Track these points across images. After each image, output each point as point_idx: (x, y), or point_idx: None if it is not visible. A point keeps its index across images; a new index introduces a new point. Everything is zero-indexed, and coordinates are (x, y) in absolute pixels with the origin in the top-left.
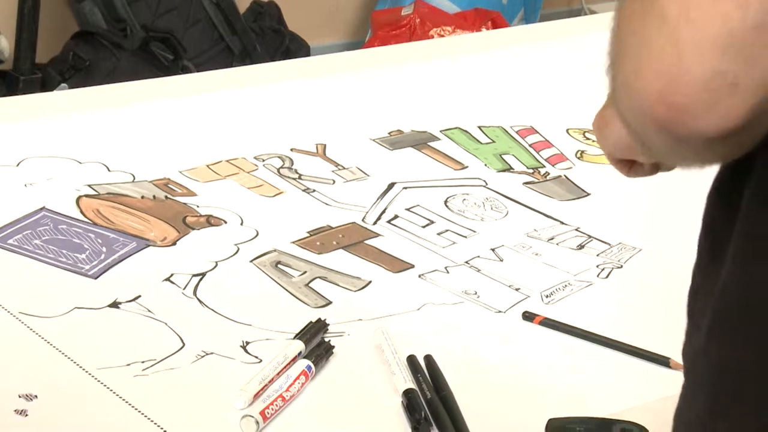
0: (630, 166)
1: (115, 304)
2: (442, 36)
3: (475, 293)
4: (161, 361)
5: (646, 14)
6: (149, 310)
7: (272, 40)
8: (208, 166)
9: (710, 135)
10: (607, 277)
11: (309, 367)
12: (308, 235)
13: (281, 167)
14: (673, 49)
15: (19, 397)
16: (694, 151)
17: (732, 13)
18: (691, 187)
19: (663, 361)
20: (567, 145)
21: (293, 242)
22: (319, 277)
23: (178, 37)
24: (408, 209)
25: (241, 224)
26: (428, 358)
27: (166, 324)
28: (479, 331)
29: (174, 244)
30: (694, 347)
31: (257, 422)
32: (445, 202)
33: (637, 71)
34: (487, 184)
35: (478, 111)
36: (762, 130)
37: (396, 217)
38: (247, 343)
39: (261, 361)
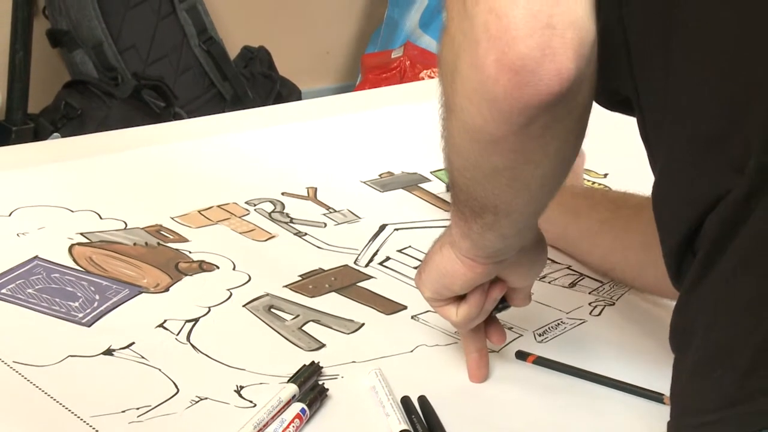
0: (457, 306)
1: (108, 352)
2: (432, 78)
3: None
4: (156, 407)
5: (456, 23)
6: (143, 357)
7: (263, 86)
8: (199, 211)
9: (553, 88)
10: (599, 314)
11: (303, 410)
12: (300, 278)
13: (272, 211)
14: (490, 16)
15: None
16: (543, 126)
17: None
18: None
19: (657, 398)
20: None
21: (286, 286)
22: (312, 321)
23: (170, 84)
24: (400, 251)
25: (234, 269)
26: (422, 399)
27: (159, 370)
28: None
29: (167, 290)
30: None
31: None
32: None
33: (472, 62)
34: None
35: None
36: (589, 84)
37: (388, 258)
38: (241, 387)
39: (255, 405)
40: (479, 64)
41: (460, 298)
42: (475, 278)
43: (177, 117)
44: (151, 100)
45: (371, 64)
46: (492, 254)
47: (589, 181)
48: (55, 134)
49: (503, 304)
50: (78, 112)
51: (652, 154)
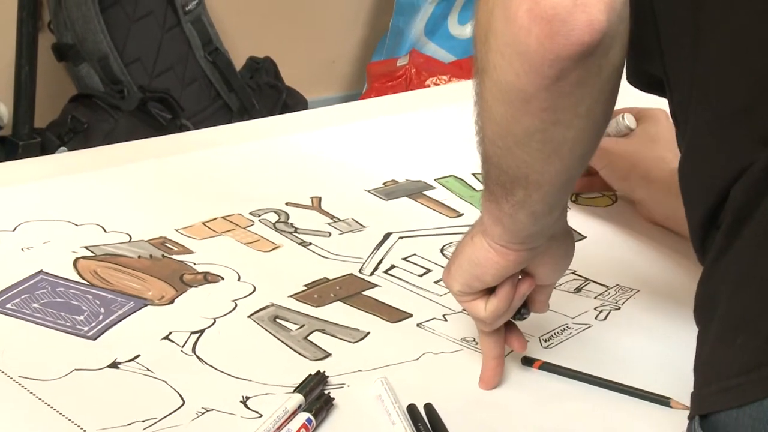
0: (485, 301)
1: (114, 365)
2: (438, 84)
3: (474, 340)
4: (162, 419)
5: None
6: (149, 369)
7: (269, 96)
8: (203, 223)
9: (584, 38)
10: (605, 319)
11: (309, 420)
12: (305, 288)
13: (277, 222)
14: None
15: None
16: (574, 82)
17: None
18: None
19: (664, 402)
20: None
21: (291, 296)
22: (318, 330)
23: (176, 96)
24: (404, 259)
25: (239, 280)
26: (428, 407)
27: (165, 382)
28: (478, 378)
29: (172, 302)
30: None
31: None
32: (442, 250)
33: (505, 15)
34: None
35: (472, 158)
36: (621, 43)
37: (393, 267)
38: (247, 398)
39: (261, 415)
40: (511, 15)
41: (488, 294)
42: (508, 266)
43: (183, 129)
44: (157, 113)
45: (377, 73)
46: (524, 239)
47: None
48: (61, 148)
49: (524, 309)
50: (84, 125)
51: (679, 132)
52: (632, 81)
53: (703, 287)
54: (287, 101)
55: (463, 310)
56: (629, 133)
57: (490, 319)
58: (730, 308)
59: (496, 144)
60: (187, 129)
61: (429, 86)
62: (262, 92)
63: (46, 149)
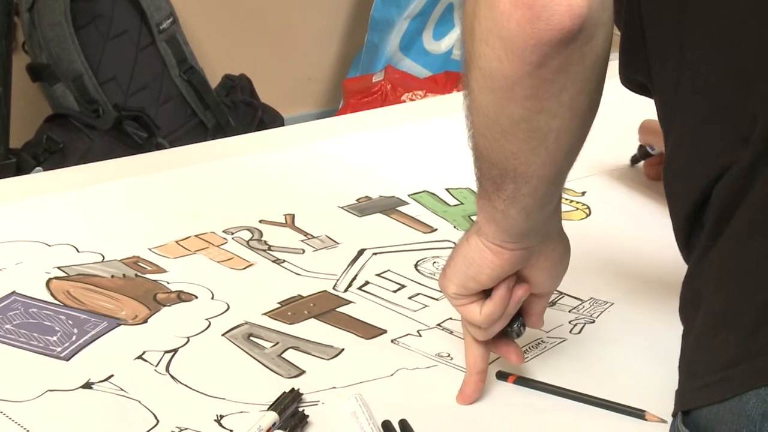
0: (481, 305)
1: (87, 385)
2: (413, 100)
3: (448, 355)
4: None
5: None
6: (122, 389)
7: (245, 113)
8: (177, 242)
9: (564, 24)
10: (579, 332)
11: None
12: (279, 305)
13: (250, 239)
14: None
15: None
16: (556, 68)
17: None
18: (660, 240)
19: (639, 414)
20: None
21: (264, 314)
22: (292, 347)
23: (151, 114)
24: (378, 275)
25: (212, 298)
26: (403, 423)
27: (139, 402)
28: (453, 393)
29: (145, 321)
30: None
31: None
32: (416, 265)
33: (489, 2)
34: None
35: (445, 173)
36: (605, 31)
37: (367, 283)
38: (222, 416)
39: None
40: (494, 1)
41: (484, 298)
42: (503, 266)
43: (159, 147)
44: (133, 131)
45: (352, 89)
46: (518, 237)
47: (566, 199)
48: (37, 168)
49: (519, 324)
50: (60, 145)
51: (665, 131)
52: (625, 84)
53: (688, 286)
54: (263, 119)
55: (442, 323)
56: None
57: (485, 323)
58: (712, 305)
59: (484, 135)
60: (163, 147)
61: (405, 102)
62: (237, 110)
63: (21, 169)
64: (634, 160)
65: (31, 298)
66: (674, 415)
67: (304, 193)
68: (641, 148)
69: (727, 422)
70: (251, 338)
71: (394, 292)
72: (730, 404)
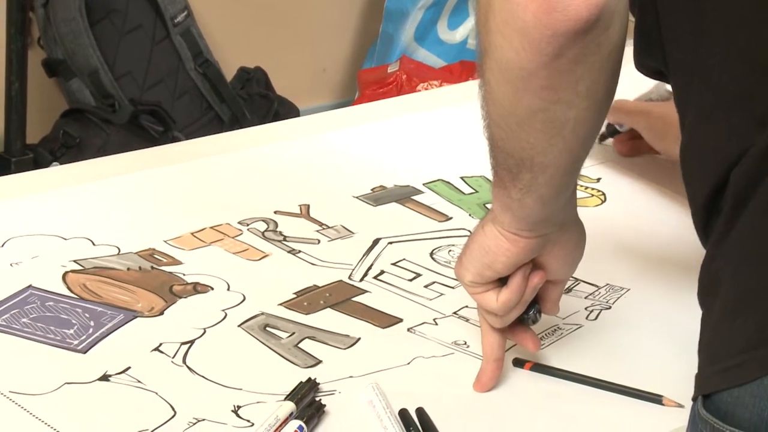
0: (497, 293)
1: (105, 377)
2: (428, 89)
3: (465, 343)
4: (153, 430)
5: None
6: (139, 381)
7: (261, 106)
8: (192, 233)
9: (581, 14)
10: (596, 318)
11: (301, 428)
12: (295, 296)
13: (266, 230)
14: None
15: None
16: (572, 59)
17: None
18: (675, 226)
19: (656, 399)
20: None
21: (280, 304)
22: (308, 337)
23: (167, 108)
24: (394, 264)
25: (228, 290)
26: (420, 411)
27: (156, 393)
28: (470, 381)
29: (161, 313)
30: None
31: None
32: (431, 254)
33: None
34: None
35: (460, 161)
36: (620, 20)
37: (382, 272)
38: (239, 407)
39: (253, 424)
40: None
41: (500, 286)
42: (519, 254)
43: (175, 141)
44: (149, 126)
45: (368, 80)
46: (533, 225)
47: (581, 186)
48: (54, 163)
49: (535, 311)
50: (76, 140)
51: (681, 117)
52: (639, 69)
53: (706, 269)
54: (279, 110)
55: (458, 311)
56: (670, 98)
57: (501, 311)
58: (730, 289)
59: (501, 126)
60: (179, 141)
61: (420, 92)
62: (253, 102)
63: (38, 165)
64: (602, 137)
65: (48, 291)
66: (694, 399)
67: (318, 183)
68: (609, 126)
69: (748, 405)
70: (267, 329)
71: (410, 280)
72: (751, 387)
